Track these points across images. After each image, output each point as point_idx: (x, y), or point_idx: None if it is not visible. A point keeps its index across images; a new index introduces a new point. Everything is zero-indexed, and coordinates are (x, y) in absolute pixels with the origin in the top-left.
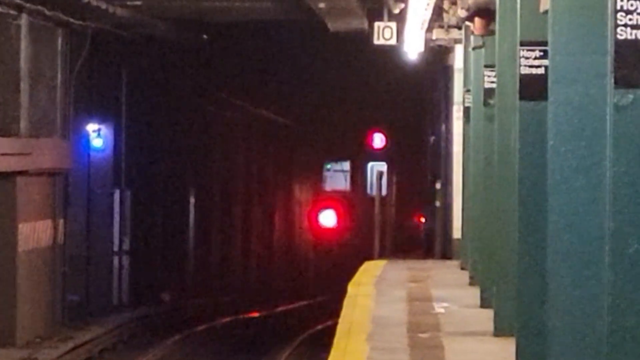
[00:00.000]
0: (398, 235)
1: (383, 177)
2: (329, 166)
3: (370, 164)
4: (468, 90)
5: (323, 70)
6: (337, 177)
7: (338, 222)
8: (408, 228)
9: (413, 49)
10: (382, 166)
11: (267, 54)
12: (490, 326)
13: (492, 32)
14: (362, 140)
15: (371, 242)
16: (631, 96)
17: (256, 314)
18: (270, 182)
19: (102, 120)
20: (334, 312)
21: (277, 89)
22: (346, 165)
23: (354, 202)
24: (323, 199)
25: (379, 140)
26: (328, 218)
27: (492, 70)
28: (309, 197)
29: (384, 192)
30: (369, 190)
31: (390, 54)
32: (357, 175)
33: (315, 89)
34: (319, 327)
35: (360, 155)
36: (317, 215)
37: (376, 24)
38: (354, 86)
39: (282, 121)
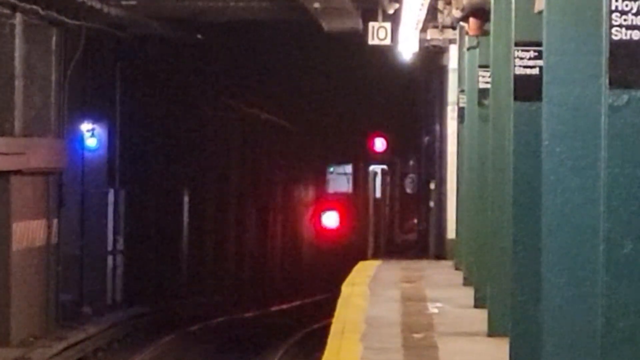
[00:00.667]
0: (397, 236)
1: (377, 177)
2: (332, 169)
3: (371, 167)
4: (462, 91)
5: (322, 72)
6: (340, 179)
7: (340, 223)
8: (407, 229)
9: (407, 49)
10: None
11: (263, 54)
12: (484, 326)
13: (487, 33)
14: (363, 143)
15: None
16: (626, 97)
17: (251, 314)
18: (269, 183)
19: (96, 119)
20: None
21: (277, 91)
22: (348, 168)
23: (355, 203)
24: (326, 201)
25: (380, 144)
26: (331, 219)
27: (486, 71)
28: (312, 199)
29: (378, 193)
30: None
31: (387, 56)
32: (359, 178)
33: (316, 92)
34: (316, 326)
35: (362, 159)
36: (320, 216)
37: (371, 24)
38: (355, 90)
39: (283, 124)
